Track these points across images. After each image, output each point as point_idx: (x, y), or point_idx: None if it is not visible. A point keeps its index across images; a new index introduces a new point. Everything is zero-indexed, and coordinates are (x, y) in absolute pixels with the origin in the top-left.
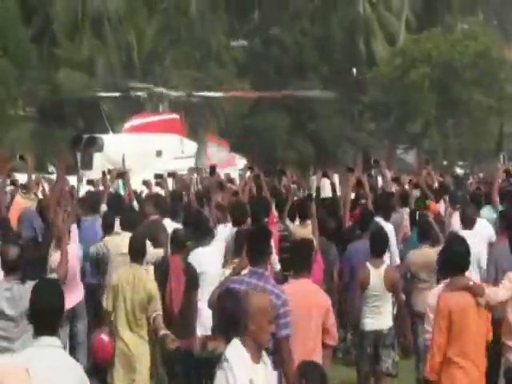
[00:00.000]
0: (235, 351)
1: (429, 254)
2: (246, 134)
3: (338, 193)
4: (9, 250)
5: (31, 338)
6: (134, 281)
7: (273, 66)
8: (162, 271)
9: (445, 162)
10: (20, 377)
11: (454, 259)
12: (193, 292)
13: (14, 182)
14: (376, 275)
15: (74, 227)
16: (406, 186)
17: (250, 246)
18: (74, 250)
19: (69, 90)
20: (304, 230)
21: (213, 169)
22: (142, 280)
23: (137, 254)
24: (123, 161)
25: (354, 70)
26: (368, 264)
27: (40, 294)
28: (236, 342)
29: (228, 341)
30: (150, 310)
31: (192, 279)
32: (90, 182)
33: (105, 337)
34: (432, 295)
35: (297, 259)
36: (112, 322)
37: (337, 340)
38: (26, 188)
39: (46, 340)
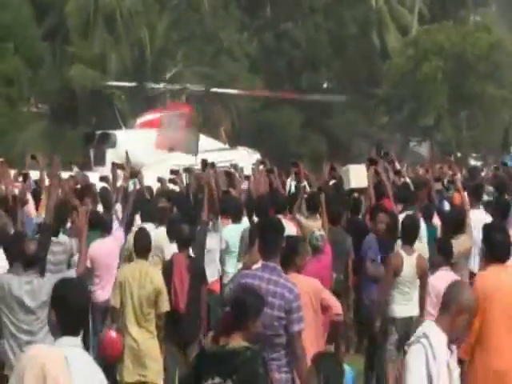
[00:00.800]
0: (435, 330)
1: (464, 242)
2: (259, 128)
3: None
4: (28, 246)
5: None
6: (141, 276)
7: (285, 60)
8: (166, 269)
9: (458, 154)
10: (60, 364)
11: (496, 248)
12: (198, 288)
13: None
14: (409, 262)
15: (120, 233)
16: (407, 179)
17: (261, 240)
18: (109, 245)
19: (81, 86)
20: (314, 223)
21: (204, 163)
22: (149, 275)
23: (142, 249)
24: (127, 156)
25: (325, 85)
26: (401, 251)
27: (66, 293)
28: (432, 324)
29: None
30: (159, 306)
31: (196, 276)
32: (102, 179)
33: (113, 333)
34: (435, 278)
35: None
36: (120, 319)
37: (341, 309)
38: (40, 186)
39: (67, 340)
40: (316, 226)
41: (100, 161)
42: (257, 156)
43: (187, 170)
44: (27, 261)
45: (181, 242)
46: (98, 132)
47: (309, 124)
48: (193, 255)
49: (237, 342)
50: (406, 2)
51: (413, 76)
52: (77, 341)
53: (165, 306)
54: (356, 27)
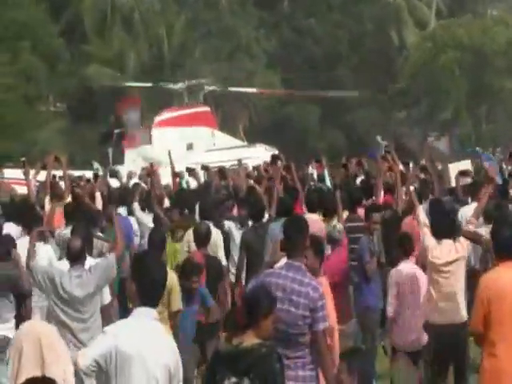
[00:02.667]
0: None
1: None
2: (277, 125)
3: None
4: (73, 242)
5: (99, 315)
6: None
7: (303, 56)
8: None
9: (477, 149)
10: (53, 333)
11: (503, 243)
12: (215, 286)
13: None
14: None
15: None
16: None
17: (285, 239)
18: None
19: (99, 84)
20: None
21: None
22: None
23: (157, 247)
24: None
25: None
26: None
27: (146, 266)
28: None
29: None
30: (171, 304)
31: (213, 273)
32: (113, 174)
33: None
34: (393, 272)
35: None
36: None
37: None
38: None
39: (143, 310)
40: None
41: (118, 160)
42: (273, 151)
43: (205, 167)
44: (73, 256)
45: (198, 240)
46: (116, 131)
47: (327, 119)
48: (211, 253)
49: (250, 339)
50: None
51: (430, 67)
52: (152, 312)
53: (176, 305)
54: (374, 23)
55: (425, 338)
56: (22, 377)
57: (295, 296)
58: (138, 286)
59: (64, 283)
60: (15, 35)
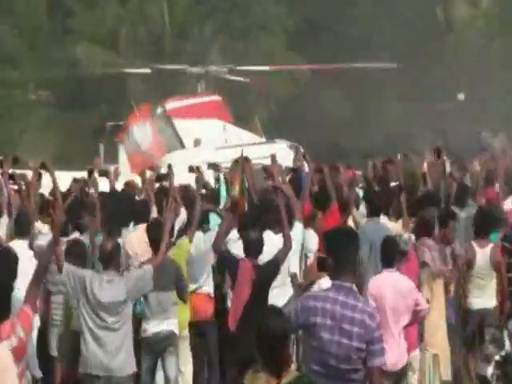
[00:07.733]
0: None
1: None
2: (301, 116)
3: None
4: (105, 245)
5: (130, 328)
6: None
7: (332, 35)
8: (231, 275)
9: None
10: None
11: None
12: (261, 302)
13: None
14: (482, 255)
15: None
16: None
17: (334, 253)
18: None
19: (88, 68)
20: None
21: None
22: None
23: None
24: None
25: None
26: (474, 244)
27: None
28: None
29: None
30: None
31: (261, 287)
32: (103, 174)
33: None
34: (371, 281)
35: None
36: None
37: None
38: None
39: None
40: None
41: (111, 157)
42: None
43: (212, 166)
44: (105, 259)
45: (247, 250)
46: (110, 123)
47: (360, 111)
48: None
49: (288, 372)
50: None
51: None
52: None
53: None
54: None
55: None
56: None
57: (347, 324)
58: None
59: (94, 287)
60: None
